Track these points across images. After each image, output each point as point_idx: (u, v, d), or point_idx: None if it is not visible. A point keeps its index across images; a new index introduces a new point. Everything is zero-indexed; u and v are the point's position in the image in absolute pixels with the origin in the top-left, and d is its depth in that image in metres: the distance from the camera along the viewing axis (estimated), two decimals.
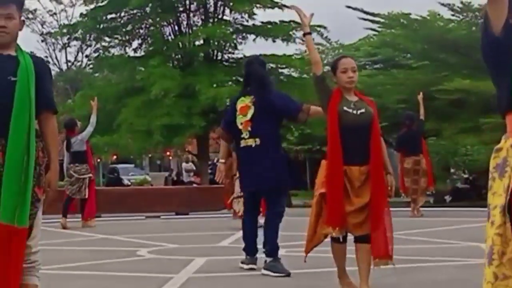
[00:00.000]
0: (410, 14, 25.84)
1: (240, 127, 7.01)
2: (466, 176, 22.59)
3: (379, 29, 28.72)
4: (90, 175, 13.04)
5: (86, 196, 12.85)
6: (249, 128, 6.95)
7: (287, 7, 24.72)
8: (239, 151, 7.17)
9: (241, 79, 24.31)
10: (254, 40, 25.05)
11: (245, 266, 7.15)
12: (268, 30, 24.49)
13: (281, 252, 8.39)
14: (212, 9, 25.26)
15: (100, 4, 25.19)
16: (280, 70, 25.55)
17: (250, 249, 7.21)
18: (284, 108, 7.03)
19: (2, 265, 3.79)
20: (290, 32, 24.44)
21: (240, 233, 10.98)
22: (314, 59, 5.75)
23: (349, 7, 26.21)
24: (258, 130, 6.92)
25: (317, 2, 24.43)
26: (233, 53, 25.72)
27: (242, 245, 7.38)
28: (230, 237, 10.39)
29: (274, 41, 24.49)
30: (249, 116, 6.95)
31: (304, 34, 5.90)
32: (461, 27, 24.73)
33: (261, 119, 6.92)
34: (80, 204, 13.01)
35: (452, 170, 22.57)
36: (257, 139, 6.92)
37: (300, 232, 11.31)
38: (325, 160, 5.58)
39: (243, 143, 7.00)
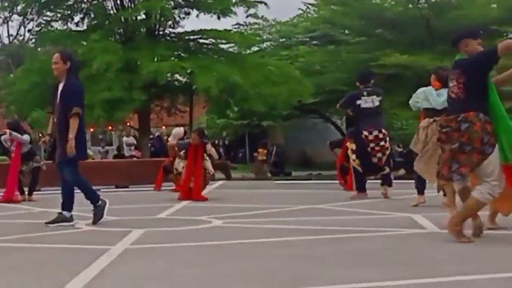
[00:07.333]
0: None
1: None
2: (400, 149, 22.99)
3: (318, 5, 28.95)
4: None
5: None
6: None
7: None
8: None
9: (183, 54, 24.42)
10: (197, 16, 24.96)
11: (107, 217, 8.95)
12: (209, 5, 24.39)
13: (218, 223, 8.56)
14: None
15: None
16: (220, 46, 25.56)
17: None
18: None
19: None
20: (231, 7, 24.39)
21: (179, 205, 11.12)
22: None
23: None
24: None
25: None
26: (175, 28, 25.64)
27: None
28: (169, 209, 10.50)
29: (219, 18, 24.34)
30: None
31: None
32: (398, 4, 25.20)
33: None
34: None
35: None
36: None
37: (235, 204, 11.47)
38: None
39: None
